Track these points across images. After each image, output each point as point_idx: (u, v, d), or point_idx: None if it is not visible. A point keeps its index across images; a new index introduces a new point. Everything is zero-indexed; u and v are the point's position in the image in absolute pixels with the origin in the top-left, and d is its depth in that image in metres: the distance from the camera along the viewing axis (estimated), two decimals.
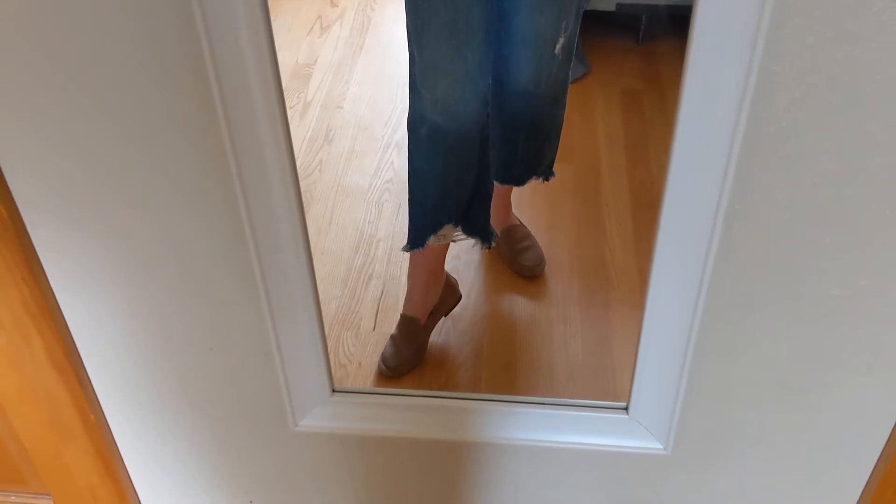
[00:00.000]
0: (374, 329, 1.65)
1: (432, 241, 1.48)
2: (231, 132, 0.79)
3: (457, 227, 1.50)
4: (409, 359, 1.56)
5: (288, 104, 2.29)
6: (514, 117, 1.52)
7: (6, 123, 0.81)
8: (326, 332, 1.62)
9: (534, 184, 1.67)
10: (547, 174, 1.67)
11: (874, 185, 0.76)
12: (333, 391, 1.03)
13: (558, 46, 1.43)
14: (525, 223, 1.82)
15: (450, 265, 1.75)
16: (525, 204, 1.92)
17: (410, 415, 1.02)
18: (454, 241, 1.53)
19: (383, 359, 1.56)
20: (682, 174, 0.80)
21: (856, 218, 0.78)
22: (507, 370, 1.58)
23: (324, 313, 1.67)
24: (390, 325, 1.65)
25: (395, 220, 1.92)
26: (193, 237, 0.88)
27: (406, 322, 1.58)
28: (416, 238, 1.49)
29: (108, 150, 0.81)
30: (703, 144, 0.78)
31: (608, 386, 1.54)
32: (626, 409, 1.01)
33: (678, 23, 2.46)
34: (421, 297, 1.58)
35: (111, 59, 0.74)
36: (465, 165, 1.43)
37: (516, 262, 1.76)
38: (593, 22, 2.37)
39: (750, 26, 0.68)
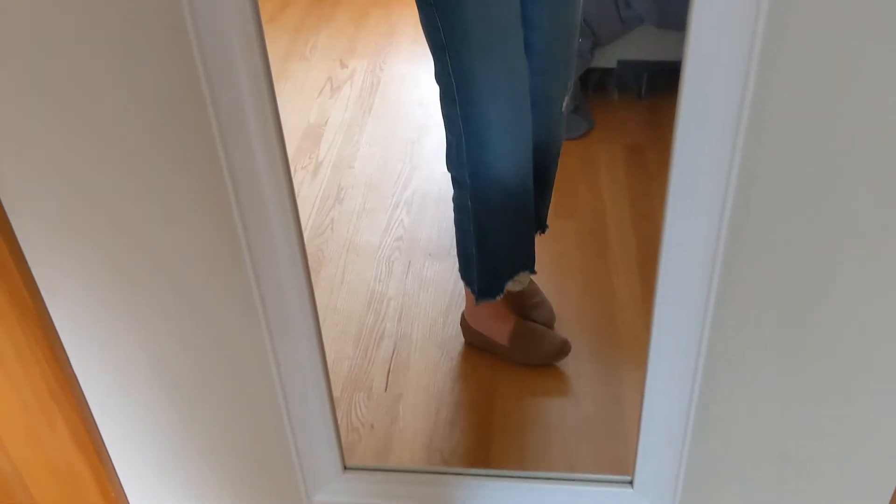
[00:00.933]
0: (385, 390, 1.68)
1: (509, 286, 1.60)
2: (239, 202, 0.84)
3: (527, 269, 1.62)
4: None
5: (300, 164, 2.35)
6: (535, 170, 1.59)
7: (33, 221, 0.85)
8: (339, 394, 1.66)
9: (540, 240, 1.72)
10: (544, 227, 1.78)
11: (869, 257, 0.79)
12: (345, 468, 1.06)
13: (564, 105, 1.53)
14: (533, 279, 1.85)
15: (451, 320, 1.79)
16: None
17: (421, 490, 1.05)
18: (521, 283, 1.66)
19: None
20: (673, 255, 0.83)
21: (853, 292, 0.81)
22: (519, 430, 1.60)
23: (336, 373, 1.71)
24: (402, 386, 1.67)
25: (405, 278, 1.96)
26: (207, 313, 0.92)
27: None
28: (494, 287, 1.60)
29: (121, 214, 0.86)
30: (693, 218, 0.81)
31: (619, 449, 1.56)
32: (631, 482, 1.03)
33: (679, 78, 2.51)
34: (500, 331, 1.69)
35: (120, 124, 0.79)
36: (529, 213, 1.55)
37: (528, 319, 1.79)
38: (596, 79, 2.43)
39: (734, 105, 0.72)
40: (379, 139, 2.45)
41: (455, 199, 1.55)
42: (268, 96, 0.79)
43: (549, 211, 1.85)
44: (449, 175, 1.52)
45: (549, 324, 1.79)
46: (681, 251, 0.82)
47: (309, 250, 2.06)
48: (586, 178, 2.22)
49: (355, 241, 2.08)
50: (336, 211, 2.18)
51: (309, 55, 2.87)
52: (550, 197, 1.74)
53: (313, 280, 1.94)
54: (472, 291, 1.64)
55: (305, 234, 2.09)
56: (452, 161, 1.48)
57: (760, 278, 0.81)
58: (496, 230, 1.54)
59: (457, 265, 1.67)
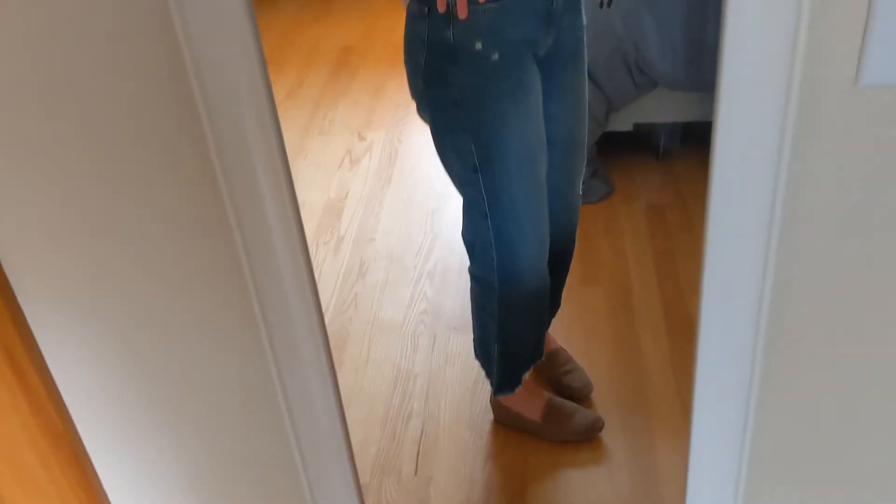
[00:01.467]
0: (415, 473, 1.65)
1: (525, 376, 1.63)
2: (256, 287, 0.84)
3: (541, 358, 1.65)
4: None
5: (322, 240, 2.36)
6: (557, 255, 1.60)
7: (46, 308, 0.86)
8: (367, 480, 1.63)
9: (568, 309, 1.72)
10: (559, 306, 1.81)
11: None
12: None
13: (581, 185, 1.55)
14: (564, 347, 1.83)
15: (478, 396, 1.76)
16: (559, 327, 1.93)
17: None
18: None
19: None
20: (710, 349, 0.81)
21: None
22: None
23: (364, 458, 1.68)
24: (432, 468, 1.65)
25: (431, 353, 1.94)
26: (224, 397, 0.91)
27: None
28: (512, 380, 1.63)
29: (133, 291, 0.86)
30: (729, 295, 0.80)
31: None
32: None
33: (695, 137, 2.51)
34: (532, 407, 1.69)
35: (134, 208, 0.80)
36: (547, 306, 1.59)
37: (563, 385, 1.77)
38: (613, 142, 2.43)
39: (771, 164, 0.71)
40: (399, 210, 2.47)
41: (477, 296, 1.56)
42: (285, 183, 0.80)
43: (576, 278, 1.84)
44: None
45: (586, 391, 1.76)
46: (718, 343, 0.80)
47: (333, 328, 2.05)
48: (609, 242, 2.21)
49: (379, 317, 2.07)
50: (359, 286, 2.18)
51: (328, 129, 2.91)
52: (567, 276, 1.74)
53: (338, 359, 1.94)
54: (491, 384, 1.67)
55: (329, 312, 2.09)
56: (478, 263, 1.50)
57: (806, 338, 0.80)
58: (521, 332, 1.56)
59: None
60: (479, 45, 1.25)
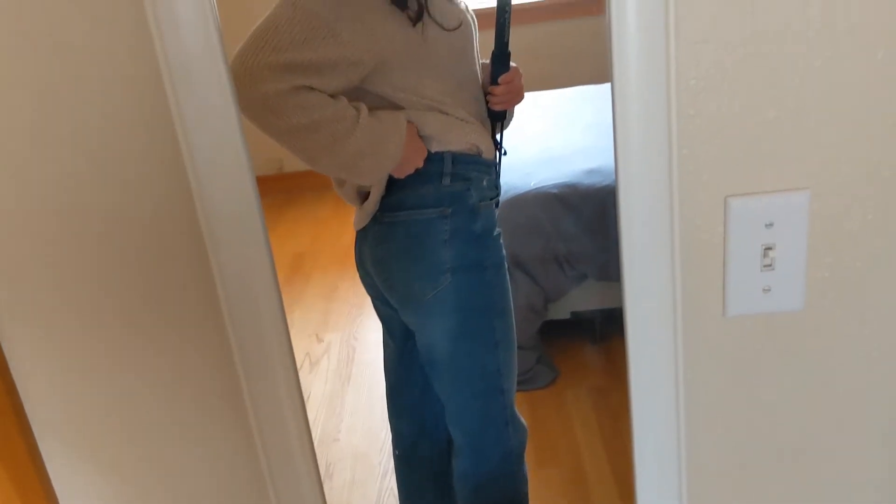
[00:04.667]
0: None
1: None
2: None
3: None
4: None
5: None
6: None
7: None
8: None
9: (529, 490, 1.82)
10: None
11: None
12: None
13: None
14: None
15: None
16: None
17: None
18: None
19: None
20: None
21: None
22: None
23: None
24: None
25: None
26: None
27: None
28: None
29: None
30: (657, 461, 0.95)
31: None
32: None
33: None
34: None
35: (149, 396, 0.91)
36: None
37: None
38: (554, 329, 2.65)
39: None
40: (361, 407, 2.59)
41: (476, 495, 1.64)
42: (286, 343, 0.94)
43: (532, 461, 1.95)
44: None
45: None
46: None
47: None
48: (560, 425, 2.36)
49: None
50: (327, 487, 2.26)
51: None
52: None
53: None
54: None
55: None
56: (487, 453, 1.60)
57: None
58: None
59: None
60: (495, 231, 1.50)
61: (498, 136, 1.57)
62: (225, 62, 0.80)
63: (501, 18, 1.46)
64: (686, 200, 0.81)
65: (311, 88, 1.28)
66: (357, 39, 1.28)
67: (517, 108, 1.62)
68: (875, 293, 0.85)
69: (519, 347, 2.30)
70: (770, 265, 0.82)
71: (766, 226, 0.81)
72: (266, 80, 1.25)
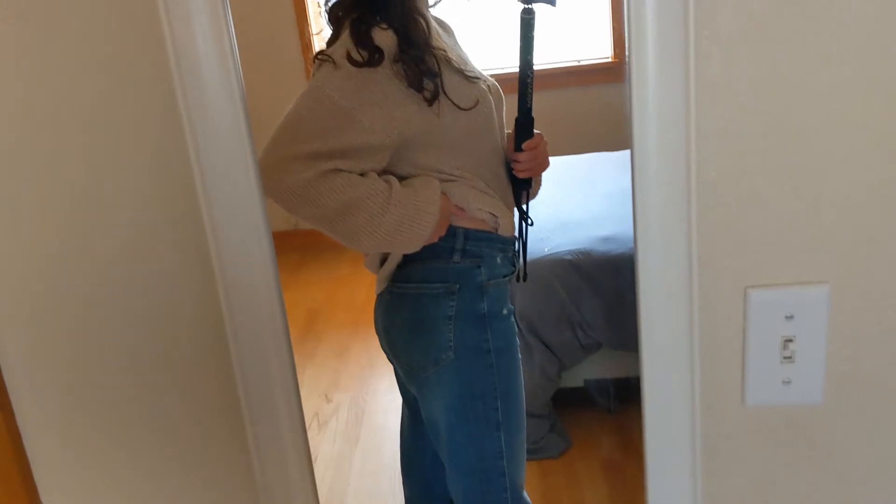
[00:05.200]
0: None
1: None
2: None
3: None
4: None
5: None
6: None
7: None
8: None
9: None
10: None
11: None
12: None
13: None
14: None
15: None
16: None
17: None
18: None
19: None
20: None
21: None
22: None
23: None
24: None
25: None
26: None
27: None
28: None
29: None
30: None
31: None
32: None
33: None
34: None
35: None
36: None
37: None
38: (567, 398, 2.62)
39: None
40: (369, 471, 2.55)
41: None
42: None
43: None
44: None
45: None
46: None
47: None
48: (571, 497, 2.32)
49: None
50: None
51: None
52: None
53: None
54: None
55: None
56: None
57: None
58: None
59: None
60: (504, 311, 1.48)
61: (524, 206, 1.57)
62: (249, 137, 0.82)
63: (524, 83, 1.47)
64: (706, 290, 0.81)
65: (340, 170, 1.30)
66: (377, 124, 1.31)
67: None
68: None
69: (531, 415, 2.28)
70: (790, 357, 0.81)
71: (787, 318, 0.80)
72: (295, 172, 1.28)
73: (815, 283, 0.80)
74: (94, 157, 0.82)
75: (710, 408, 0.86)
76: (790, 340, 0.81)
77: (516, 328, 1.53)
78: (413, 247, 1.41)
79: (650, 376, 0.83)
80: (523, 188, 1.56)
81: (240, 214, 0.84)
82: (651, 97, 0.75)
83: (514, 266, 1.55)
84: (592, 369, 2.56)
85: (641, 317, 0.81)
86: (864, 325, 0.82)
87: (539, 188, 1.63)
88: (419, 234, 1.37)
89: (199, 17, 0.76)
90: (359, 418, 2.85)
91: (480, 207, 1.45)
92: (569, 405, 2.66)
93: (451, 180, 1.43)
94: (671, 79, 0.74)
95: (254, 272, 0.85)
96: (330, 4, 1.42)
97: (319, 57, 1.35)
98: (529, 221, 1.59)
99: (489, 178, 1.48)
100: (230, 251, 0.84)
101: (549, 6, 1.44)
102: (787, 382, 0.82)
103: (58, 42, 0.79)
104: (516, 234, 1.57)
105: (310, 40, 4.23)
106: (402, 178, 1.41)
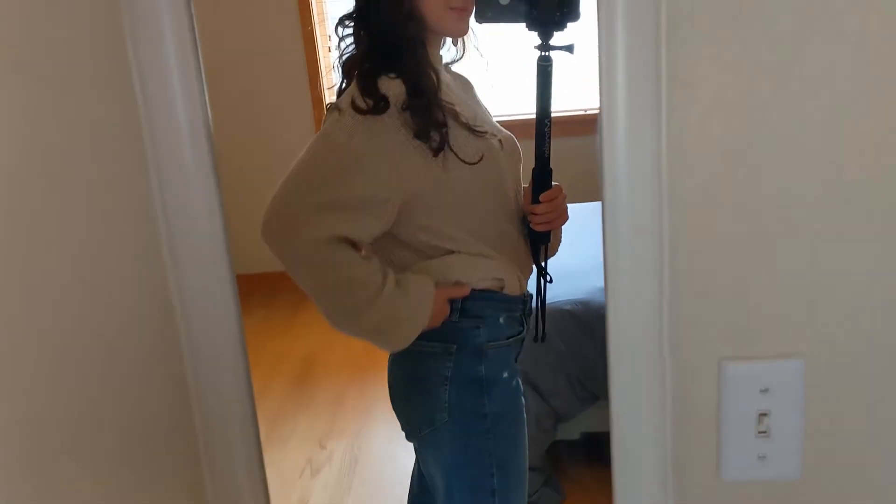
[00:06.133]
0: None
1: None
2: None
3: None
4: None
5: None
6: None
7: None
8: None
9: None
10: None
11: None
12: None
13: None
14: None
15: None
16: None
17: None
18: None
19: None
20: None
21: None
22: None
23: None
24: None
25: None
26: None
27: None
28: None
29: None
30: None
31: None
32: None
33: None
34: None
35: None
36: None
37: None
38: (563, 450, 2.58)
39: None
40: None
41: None
42: None
43: None
44: None
45: None
46: None
47: None
48: None
49: None
50: None
51: (288, 437, 3.02)
52: None
53: None
54: None
55: None
56: None
57: None
58: None
59: None
60: (505, 374, 1.43)
61: (543, 262, 1.52)
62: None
63: (541, 133, 1.42)
64: (679, 361, 0.79)
65: (348, 244, 1.30)
66: (382, 174, 1.30)
67: None
68: (875, 464, 0.81)
69: None
70: (765, 432, 0.79)
71: (762, 391, 0.78)
72: (307, 224, 1.28)
73: (791, 356, 0.78)
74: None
75: (685, 481, 0.83)
76: (765, 415, 0.79)
77: (520, 392, 1.48)
78: (392, 348, 1.40)
79: (620, 447, 0.81)
80: (542, 242, 1.50)
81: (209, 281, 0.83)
82: (622, 161, 0.74)
83: (523, 326, 1.50)
84: (590, 422, 2.52)
85: (612, 387, 0.79)
86: (843, 400, 0.79)
87: (559, 243, 1.58)
88: (397, 340, 1.37)
89: (172, 81, 0.76)
90: (352, 466, 2.81)
91: (483, 277, 1.42)
92: (564, 458, 2.61)
93: (452, 252, 1.40)
94: (643, 142, 0.73)
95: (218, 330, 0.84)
96: (344, 59, 1.41)
97: (328, 106, 1.36)
98: (548, 278, 1.54)
99: (494, 237, 1.44)
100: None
101: (567, 53, 1.39)
102: (762, 458, 0.80)
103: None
104: (530, 291, 1.52)
105: (321, 95, 4.25)
106: (404, 244, 1.39)
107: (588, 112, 4.33)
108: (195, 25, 0.74)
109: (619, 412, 0.80)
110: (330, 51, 4.23)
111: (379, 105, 1.29)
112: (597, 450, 2.63)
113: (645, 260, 0.76)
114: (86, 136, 0.76)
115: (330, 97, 4.27)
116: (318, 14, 4.19)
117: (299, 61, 4.21)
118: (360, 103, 1.29)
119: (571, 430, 2.53)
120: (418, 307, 1.34)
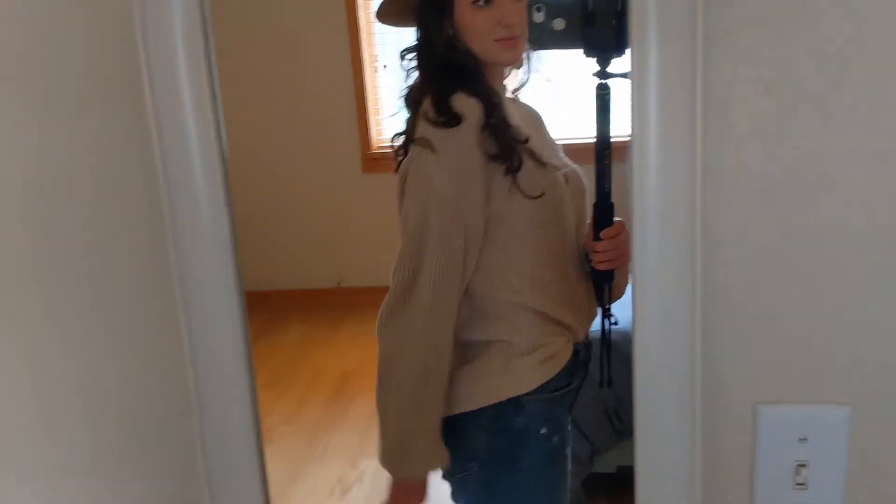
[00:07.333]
0: None
1: None
2: None
3: None
4: None
5: None
6: None
7: None
8: None
9: None
10: None
11: None
12: None
13: None
14: None
15: None
16: None
17: None
18: None
19: None
20: None
21: None
22: None
23: None
24: None
25: None
26: None
27: None
28: None
29: None
30: None
31: None
32: None
33: None
34: None
35: None
36: None
37: None
38: (599, 483, 2.50)
39: None
40: None
41: None
42: None
43: None
44: None
45: None
46: None
47: None
48: None
49: None
50: None
51: (321, 456, 2.99)
52: None
53: None
54: None
55: None
56: None
57: None
58: None
59: None
60: (543, 430, 1.35)
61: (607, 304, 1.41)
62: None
63: (601, 165, 1.31)
64: (711, 405, 0.74)
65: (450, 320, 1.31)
66: (475, 215, 1.26)
67: None
68: None
69: None
70: (803, 484, 0.73)
71: (800, 440, 0.73)
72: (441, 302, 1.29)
73: (833, 401, 0.72)
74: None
75: None
76: (804, 465, 0.73)
77: (562, 448, 1.40)
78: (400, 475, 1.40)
79: (645, 497, 0.76)
80: (605, 281, 1.39)
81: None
82: (653, 196, 0.70)
83: (573, 377, 1.42)
84: (626, 455, 2.43)
85: (637, 428, 0.74)
86: (889, 453, 0.73)
87: (626, 284, 1.43)
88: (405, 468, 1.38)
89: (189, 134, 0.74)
90: (382, 488, 2.77)
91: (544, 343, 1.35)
92: (601, 492, 2.53)
93: (522, 307, 1.33)
94: (677, 177, 0.69)
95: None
96: (406, 90, 1.35)
97: (413, 140, 1.27)
98: (613, 320, 1.43)
99: (548, 280, 1.35)
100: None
101: (626, 80, 1.31)
102: None
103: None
104: (593, 334, 1.44)
105: (368, 136, 4.25)
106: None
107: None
108: (211, 39, 0.72)
109: (644, 459, 0.75)
110: (376, 71, 4.25)
111: (453, 120, 1.22)
112: (633, 483, 2.55)
113: (676, 296, 0.71)
114: (96, 158, 0.75)
115: (375, 117, 4.30)
116: (367, 35, 4.20)
117: (348, 102, 4.23)
118: (434, 117, 1.23)
119: (608, 464, 2.46)
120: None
